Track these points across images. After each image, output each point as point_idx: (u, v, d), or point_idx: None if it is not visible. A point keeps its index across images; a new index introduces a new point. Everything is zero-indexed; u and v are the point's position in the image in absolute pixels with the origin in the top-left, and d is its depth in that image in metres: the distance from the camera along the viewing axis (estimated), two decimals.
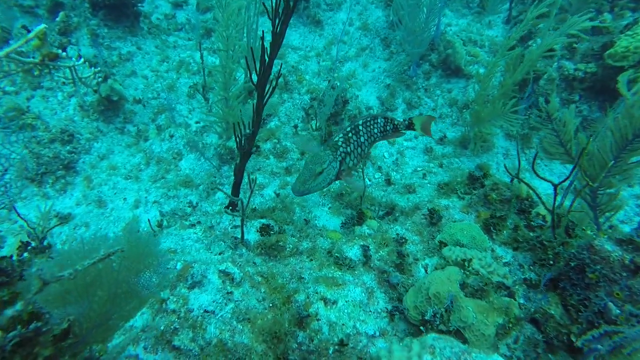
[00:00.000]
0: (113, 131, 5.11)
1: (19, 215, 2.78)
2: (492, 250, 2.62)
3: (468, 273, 2.17)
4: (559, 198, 2.33)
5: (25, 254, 2.21)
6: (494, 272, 2.20)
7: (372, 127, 3.13)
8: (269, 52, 2.84)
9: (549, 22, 4.20)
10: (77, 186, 4.54)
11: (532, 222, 2.87)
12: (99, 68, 4.97)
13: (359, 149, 2.99)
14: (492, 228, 2.78)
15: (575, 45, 5.12)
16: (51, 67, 1.65)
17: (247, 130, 3.03)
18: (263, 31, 2.72)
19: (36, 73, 1.75)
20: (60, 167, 4.51)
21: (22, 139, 4.71)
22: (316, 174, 2.70)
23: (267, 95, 3.06)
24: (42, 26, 1.54)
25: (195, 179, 4.44)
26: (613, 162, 2.49)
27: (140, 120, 5.41)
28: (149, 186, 4.46)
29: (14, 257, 1.90)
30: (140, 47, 6.31)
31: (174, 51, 6.49)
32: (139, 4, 6.30)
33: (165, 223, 3.60)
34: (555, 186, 2.34)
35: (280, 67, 3.37)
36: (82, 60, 1.71)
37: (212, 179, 4.30)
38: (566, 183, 2.37)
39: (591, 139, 2.27)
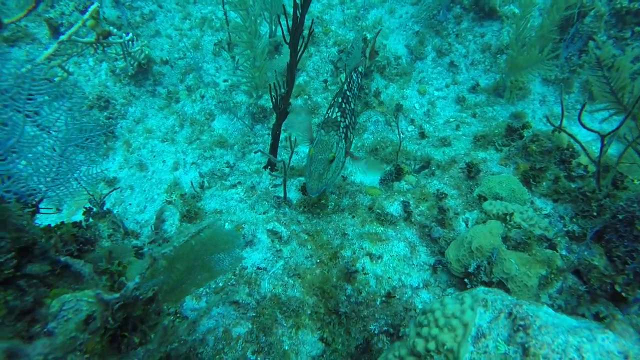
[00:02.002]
0: (145, 94, 5.19)
1: (80, 184, 2.96)
2: (532, 202, 2.63)
3: (510, 227, 2.21)
4: (606, 148, 2.29)
5: (91, 219, 2.39)
6: (536, 225, 2.24)
7: (353, 88, 2.98)
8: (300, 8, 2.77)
9: None
10: (118, 150, 4.73)
11: (572, 173, 2.84)
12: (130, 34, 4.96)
13: (354, 118, 2.81)
14: (531, 180, 2.78)
15: None
16: (104, 44, 1.68)
17: (282, 90, 3.04)
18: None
19: (92, 52, 1.81)
20: (101, 132, 4.66)
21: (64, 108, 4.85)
22: (329, 162, 2.39)
23: (300, 53, 3.03)
24: (95, 4, 1.56)
25: (230, 139, 4.53)
26: None
27: (169, 81, 5.45)
28: (185, 148, 4.59)
29: (83, 224, 2.07)
30: (161, 5, 6.20)
31: (194, 7, 6.35)
32: None
33: (206, 184, 3.74)
34: (602, 137, 2.29)
35: (312, 23, 3.28)
36: (130, 36, 1.74)
37: (246, 139, 4.38)
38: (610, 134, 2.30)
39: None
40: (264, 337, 2.07)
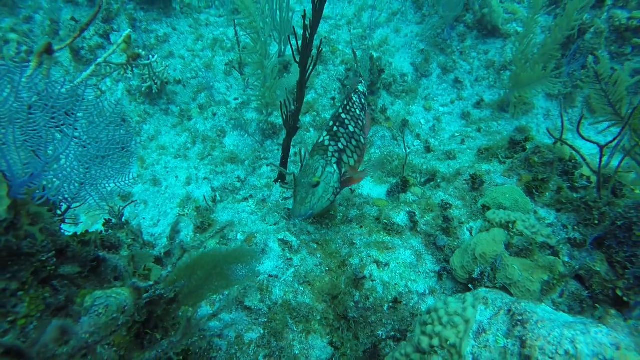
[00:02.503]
0: (159, 113, 5.40)
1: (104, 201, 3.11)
2: (535, 212, 2.70)
3: (512, 234, 2.28)
4: (605, 158, 2.37)
5: (110, 230, 2.52)
6: (538, 232, 2.31)
7: (354, 109, 2.79)
8: (309, 30, 2.94)
9: None
10: (132, 166, 4.89)
11: (575, 184, 2.91)
12: (155, 56, 5.21)
13: (354, 141, 2.62)
14: (534, 190, 2.85)
15: None
16: (134, 65, 1.84)
17: (292, 107, 3.18)
18: (305, 10, 2.80)
19: (122, 73, 1.97)
20: (117, 149, 4.86)
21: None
22: (312, 186, 2.27)
23: (309, 71, 3.18)
24: (128, 32, 1.73)
25: (240, 155, 4.68)
26: None
27: (181, 100, 5.66)
28: (198, 163, 4.74)
29: (104, 233, 2.20)
30: (175, 28, 6.48)
31: (206, 29, 6.62)
32: None
33: (218, 197, 3.87)
34: (601, 147, 2.37)
35: (321, 43, 3.45)
36: (155, 58, 1.90)
37: (256, 154, 4.52)
38: (612, 144, 2.39)
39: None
40: (275, 342, 2.15)
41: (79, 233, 1.87)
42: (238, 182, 4.18)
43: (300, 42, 3.03)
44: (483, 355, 1.29)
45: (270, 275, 2.34)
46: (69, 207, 2.02)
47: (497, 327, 1.33)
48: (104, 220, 2.65)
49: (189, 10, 6.81)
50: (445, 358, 1.36)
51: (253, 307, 2.23)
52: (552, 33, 4.07)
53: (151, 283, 1.25)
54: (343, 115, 2.70)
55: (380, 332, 2.16)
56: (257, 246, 2.41)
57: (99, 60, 2.05)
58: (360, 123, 2.75)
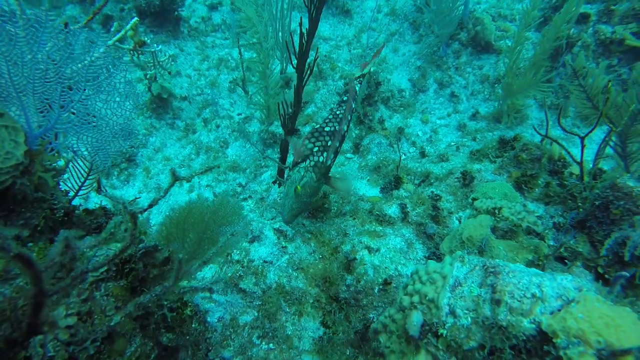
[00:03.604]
0: (165, 127, 5.60)
1: (105, 192, 3.24)
2: (524, 206, 2.78)
3: (499, 219, 2.36)
4: (589, 155, 2.46)
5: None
6: (524, 219, 2.38)
7: (338, 111, 2.91)
8: (305, 37, 3.13)
9: None
10: (138, 177, 5.06)
11: (565, 182, 3.00)
12: (160, 46, 5.48)
13: (334, 139, 2.69)
14: (523, 186, 2.94)
15: (612, 7, 5.01)
16: (139, 51, 2.01)
17: (290, 110, 3.34)
18: (301, 17, 3.00)
19: (127, 58, 2.14)
20: (124, 160, 5.04)
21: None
22: (295, 195, 2.43)
23: (306, 77, 3.35)
24: (135, 19, 1.89)
25: (242, 164, 4.83)
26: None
27: (187, 115, 5.88)
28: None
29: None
30: (182, 49, 6.80)
31: (212, 50, 6.94)
32: (179, 9, 6.79)
33: None
34: (582, 138, 2.48)
35: (317, 51, 3.65)
36: (160, 47, 2.07)
37: (257, 163, 4.67)
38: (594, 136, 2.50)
39: (611, 85, 2.38)
40: (268, 323, 2.21)
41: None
42: (239, 187, 4.30)
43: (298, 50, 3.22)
44: (458, 304, 1.36)
45: (265, 261, 2.42)
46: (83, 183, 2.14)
47: (472, 280, 1.41)
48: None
49: (196, 34, 7.16)
50: (424, 312, 1.43)
51: (248, 290, 2.30)
52: (540, 44, 4.25)
53: (146, 206, 1.35)
54: (330, 116, 2.85)
55: (371, 315, 2.22)
56: (253, 232, 2.51)
57: (109, 42, 2.23)
58: (342, 124, 2.79)
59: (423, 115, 5.70)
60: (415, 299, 1.48)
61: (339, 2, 7.33)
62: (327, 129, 2.74)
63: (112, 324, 1.22)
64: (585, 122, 4.55)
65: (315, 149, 2.61)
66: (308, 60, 3.42)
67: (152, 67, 4.67)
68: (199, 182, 4.75)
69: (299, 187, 2.43)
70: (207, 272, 2.51)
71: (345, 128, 2.81)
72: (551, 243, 2.32)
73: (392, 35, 6.99)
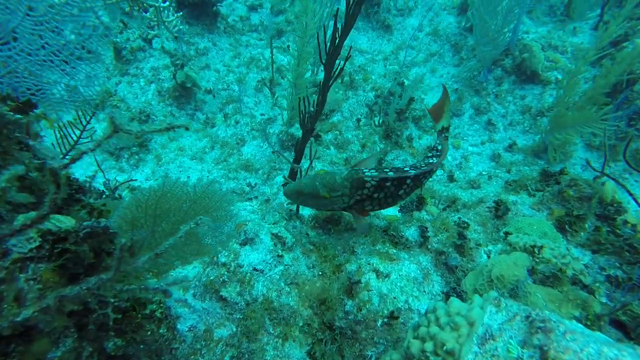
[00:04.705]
0: (184, 116, 5.41)
1: (99, 167, 3.02)
2: (568, 250, 2.36)
3: (538, 260, 1.96)
4: None
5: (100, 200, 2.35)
6: (569, 264, 1.97)
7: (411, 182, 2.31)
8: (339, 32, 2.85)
9: None
10: (148, 163, 4.85)
11: (617, 230, 2.56)
12: (179, 60, 5.34)
13: (391, 199, 2.30)
14: (567, 227, 2.52)
15: None
16: (140, 3, 1.75)
17: (311, 109, 3.04)
18: (338, 8, 2.73)
19: (127, 9, 1.89)
20: (136, 144, 4.85)
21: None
22: (316, 196, 2.15)
23: (335, 76, 3.06)
24: None
25: (256, 164, 4.55)
26: None
27: (209, 109, 5.69)
28: (212, 167, 4.63)
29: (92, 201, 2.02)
30: (215, 44, 6.67)
31: (245, 49, 6.79)
32: (219, 4, 6.70)
33: None
34: None
35: (350, 50, 3.36)
36: (167, 4, 1.81)
37: (271, 164, 4.38)
38: None
39: None
40: (246, 343, 1.86)
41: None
42: (248, 187, 4.01)
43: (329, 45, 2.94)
44: None
45: (256, 269, 2.08)
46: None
47: (511, 334, 1.03)
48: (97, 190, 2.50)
49: (232, 31, 7.05)
50: None
51: (230, 299, 1.96)
52: (603, 77, 3.86)
53: (66, 161, 1.04)
54: (408, 181, 2.25)
55: (369, 352, 1.84)
56: (247, 234, 2.18)
57: None
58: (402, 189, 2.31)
59: (455, 140, 5.31)
60: (429, 346, 1.11)
61: (380, 16, 7.11)
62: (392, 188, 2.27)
63: (18, 319, 0.90)
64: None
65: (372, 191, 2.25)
66: (337, 62, 3.13)
67: (155, 28, 4.40)
68: (207, 176, 4.49)
69: (324, 170, 2.21)
70: (189, 272, 2.19)
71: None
72: (603, 300, 1.89)
73: (432, 56, 6.69)
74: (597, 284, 1.97)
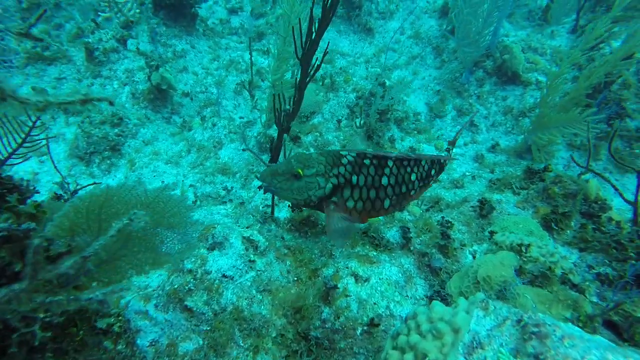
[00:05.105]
0: (160, 120, 5.22)
1: (55, 168, 2.80)
2: (555, 248, 2.26)
3: (526, 259, 1.85)
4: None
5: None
6: (557, 263, 1.86)
7: (409, 170, 2.10)
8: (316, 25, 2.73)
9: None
10: (120, 168, 4.63)
11: (602, 228, 2.48)
12: (153, 62, 5.15)
13: (374, 192, 2.01)
14: (553, 225, 2.43)
15: None
16: None
17: (287, 107, 2.91)
18: (313, 1, 2.60)
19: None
20: (107, 148, 4.62)
21: (77, 121, 4.91)
22: (292, 175, 1.91)
23: (312, 72, 2.93)
24: None
25: (233, 167, 4.38)
26: None
27: (186, 112, 5.50)
28: (187, 171, 4.45)
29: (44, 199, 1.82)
30: (194, 46, 6.50)
31: (225, 52, 6.64)
32: (197, 5, 6.54)
33: (198, 203, 3.52)
34: (639, 172, 1.98)
35: (328, 45, 3.23)
36: None
37: (249, 168, 4.22)
38: None
39: None
40: (214, 357, 1.69)
41: None
42: (223, 190, 3.83)
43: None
44: None
45: (225, 275, 1.92)
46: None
47: (501, 341, 0.90)
48: (53, 194, 2.30)
49: (212, 34, 6.89)
50: None
51: (195, 309, 1.79)
52: (586, 79, 3.84)
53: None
54: (390, 162, 2.04)
55: None
56: (215, 238, 2.01)
57: None
58: (403, 187, 2.08)
59: (437, 141, 5.24)
60: (409, 357, 0.97)
61: (361, 19, 7.05)
62: (384, 180, 2.05)
63: None
64: (620, 168, 4.04)
65: (352, 174, 1.99)
66: (315, 64, 3.00)
67: (107, 9, 4.23)
68: (183, 181, 4.29)
69: (300, 170, 1.91)
70: (153, 281, 2.01)
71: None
72: (594, 300, 1.79)
73: (414, 59, 6.66)
74: (587, 283, 1.87)
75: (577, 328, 0.94)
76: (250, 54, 5.67)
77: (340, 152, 2.01)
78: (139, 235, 1.32)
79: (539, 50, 5.75)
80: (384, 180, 2.03)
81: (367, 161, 2.00)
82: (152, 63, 5.15)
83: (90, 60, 5.56)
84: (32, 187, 1.35)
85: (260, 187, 2.02)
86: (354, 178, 1.97)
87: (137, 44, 5.82)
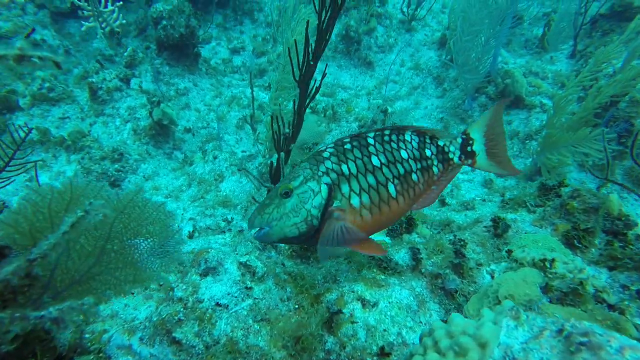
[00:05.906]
0: (161, 155, 5.18)
1: (37, 179, 2.70)
2: (583, 263, 2.07)
3: (551, 276, 1.66)
4: None
5: None
6: (588, 280, 1.67)
7: (395, 146, 1.85)
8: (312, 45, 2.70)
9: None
10: None
11: (630, 246, 2.28)
12: (155, 98, 5.18)
13: (372, 177, 1.77)
14: (575, 242, 2.24)
15: None
16: None
17: (286, 130, 2.83)
18: (308, 21, 2.58)
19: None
20: (107, 184, 4.55)
21: (78, 158, 4.88)
22: (281, 194, 1.68)
23: (310, 96, 2.88)
24: None
25: (234, 200, 4.26)
26: None
27: (188, 148, 5.48)
28: (187, 205, 4.33)
29: None
30: (196, 84, 6.60)
31: (227, 89, 6.72)
32: (199, 45, 6.70)
33: (196, 235, 3.37)
34: None
35: (326, 67, 3.20)
36: None
37: (251, 199, 4.09)
38: None
39: None
40: None
41: None
42: (224, 222, 3.69)
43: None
44: None
45: (219, 304, 1.74)
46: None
47: (541, 355, 0.72)
48: None
49: (214, 72, 7.02)
50: None
51: (185, 341, 1.60)
52: (594, 97, 3.78)
53: None
54: (370, 139, 1.85)
55: None
56: (208, 263, 1.85)
57: None
58: (401, 170, 1.84)
59: None
60: None
61: (361, 53, 7.18)
62: (374, 160, 1.83)
63: None
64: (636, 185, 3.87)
65: (341, 164, 1.78)
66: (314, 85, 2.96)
67: (92, 20, 4.25)
68: (182, 214, 4.17)
69: (289, 185, 1.71)
70: (141, 313, 1.84)
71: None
72: (637, 322, 1.58)
73: (415, 89, 6.69)
74: (626, 302, 1.67)
75: (634, 341, 0.77)
76: (252, 87, 5.69)
77: (319, 150, 1.85)
78: (115, 249, 1.18)
79: (540, 75, 5.75)
80: (375, 160, 1.80)
81: (347, 146, 1.82)
82: (154, 99, 5.18)
83: (94, 99, 5.62)
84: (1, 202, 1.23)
85: (255, 237, 1.79)
86: (344, 167, 1.76)
87: (140, 83, 5.90)
